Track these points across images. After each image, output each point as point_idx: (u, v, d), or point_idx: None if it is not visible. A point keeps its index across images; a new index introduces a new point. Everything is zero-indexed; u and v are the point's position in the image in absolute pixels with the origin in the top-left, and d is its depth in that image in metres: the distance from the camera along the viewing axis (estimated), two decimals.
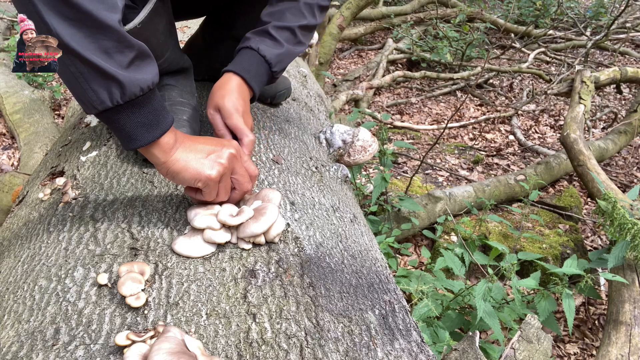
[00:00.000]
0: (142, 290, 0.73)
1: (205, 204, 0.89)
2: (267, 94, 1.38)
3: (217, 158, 0.84)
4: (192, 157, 0.82)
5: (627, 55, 5.59)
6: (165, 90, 1.15)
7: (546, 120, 4.33)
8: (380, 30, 6.24)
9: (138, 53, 0.75)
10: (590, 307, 2.21)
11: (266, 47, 1.05)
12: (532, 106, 4.54)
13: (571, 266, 1.62)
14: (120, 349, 0.65)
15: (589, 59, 5.08)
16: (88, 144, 1.15)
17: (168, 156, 0.81)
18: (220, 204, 0.90)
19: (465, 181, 3.20)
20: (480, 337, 0.87)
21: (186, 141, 0.84)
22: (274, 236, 0.85)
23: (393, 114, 4.43)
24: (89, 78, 0.72)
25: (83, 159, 1.09)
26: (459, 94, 4.88)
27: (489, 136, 4.04)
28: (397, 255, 2.27)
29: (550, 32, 5.79)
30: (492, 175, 3.32)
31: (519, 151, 3.76)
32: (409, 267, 2.13)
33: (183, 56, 1.22)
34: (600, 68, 4.82)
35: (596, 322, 2.13)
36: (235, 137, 1.00)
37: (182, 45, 1.41)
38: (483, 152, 3.72)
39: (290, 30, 1.09)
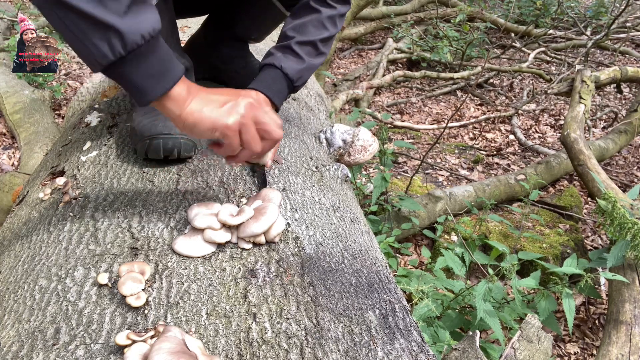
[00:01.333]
0: (143, 290, 0.73)
1: (232, 159, 0.88)
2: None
3: (234, 106, 0.82)
4: (207, 107, 0.80)
5: (627, 55, 5.58)
6: None
7: (546, 120, 4.33)
8: (381, 30, 6.24)
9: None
10: (590, 307, 2.21)
11: (289, 64, 1.08)
12: (533, 106, 4.54)
13: (571, 266, 1.62)
14: (120, 349, 0.65)
15: (589, 59, 5.07)
16: (88, 144, 1.15)
17: (182, 108, 0.78)
18: (253, 163, 0.91)
19: (466, 181, 3.20)
20: (480, 337, 0.87)
21: (200, 92, 0.81)
22: (274, 236, 0.86)
23: (393, 114, 4.43)
24: (87, 31, 0.68)
25: (83, 158, 1.09)
26: (459, 93, 4.88)
27: (489, 136, 4.04)
28: (398, 254, 2.27)
29: (551, 31, 5.78)
30: (493, 175, 3.32)
31: (519, 151, 3.76)
32: (409, 267, 2.13)
33: (184, 55, 1.22)
34: (600, 67, 4.82)
35: (596, 321, 2.13)
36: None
37: (182, 45, 1.41)
38: (483, 152, 3.72)
39: (312, 45, 1.12)
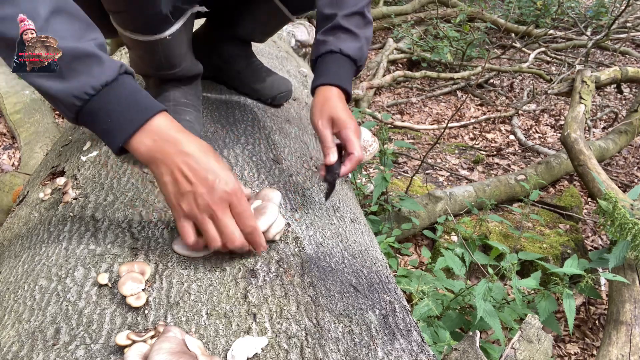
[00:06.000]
0: (143, 290, 0.73)
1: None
2: (268, 94, 1.37)
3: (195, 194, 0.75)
4: (164, 178, 0.75)
5: (627, 55, 5.58)
6: (169, 91, 1.15)
7: (547, 120, 4.33)
8: (381, 30, 6.24)
9: (68, 56, 0.68)
10: (590, 307, 2.20)
11: (346, 44, 1.00)
12: (533, 106, 4.54)
13: (572, 266, 1.62)
14: (120, 349, 0.65)
15: (589, 59, 5.07)
16: (88, 144, 1.15)
17: (147, 162, 0.75)
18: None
19: (466, 181, 3.20)
20: (480, 337, 0.87)
21: (170, 150, 0.74)
22: (273, 235, 0.85)
23: (393, 114, 4.43)
24: (46, 99, 0.71)
25: (83, 158, 1.09)
26: (459, 93, 4.88)
27: (489, 136, 4.04)
28: (398, 255, 2.27)
29: (551, 31, 5.78)
30: (493, 175, 3.32)
31: (519, 151, 3.76)
32: (409, 267, 2.13)
33: (197, 64, 1.20)
34: (600, 68, 4.82)
35: (597, 322, 2.13)
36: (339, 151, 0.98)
37: None
38: (483, 152, 3.72)
39: (359, 15, 1.02)
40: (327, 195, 1.01)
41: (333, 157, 0.96)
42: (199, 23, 1.45)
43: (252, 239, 0.78)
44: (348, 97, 1.02)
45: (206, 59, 1.38)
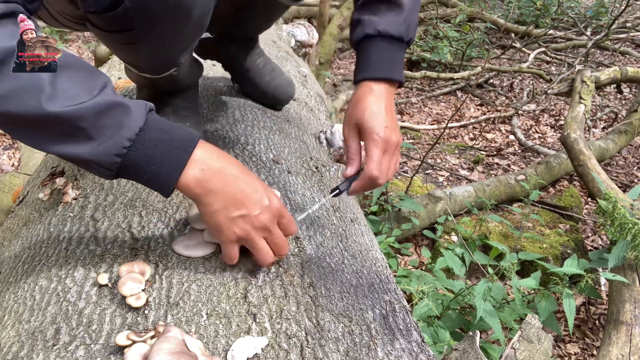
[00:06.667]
0: (143, 290, 0.73)
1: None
2: (268, 99, 1.35)
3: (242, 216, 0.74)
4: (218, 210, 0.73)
5: (627, 55, 5.58)
6: (167, 96, 1.12)
7: (546, 120, 4.33)
8: None
9: (92, 115, 0.62)
10: (590, 307, 2.20)
11: (386, 21, 0.85)
12: (533, 106, 4.54)
13: (571, 266, 1.62)
14: (120, 349, 0.65)
15: (589, 59, 5.07)
16: None
17: (198, 199, 0.72)
18: None
19: (466, 181, 3.20)
20: (480, 337, 0.87)
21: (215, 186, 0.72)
22: None
23: None
24: (79, 163, 0.66)
25: None
26: (459, 93, 4.88)
27: (489, 136, 4.04)
28: (398, 255, 2.27)
29: (551, 31, 5.78)
30: (493, 175, 3.32)
31: (519, 151, 3.76)
32: (409, 267, 2.13)
33: (197, 71, 1.17)
34: (600, 68, 4.82)
35: (597, 322, 2.13)
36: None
37: None
38: (483, 152, 3.72)
39: None
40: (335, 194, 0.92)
41: (350, 169, 0.88)
42: None
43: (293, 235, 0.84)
44: (398, 84, 0.90)
45: (213, 58, 1.33)
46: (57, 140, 0.62)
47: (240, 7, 1.19)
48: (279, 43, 2.18)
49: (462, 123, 4.17)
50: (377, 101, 0.86)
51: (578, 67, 4.09)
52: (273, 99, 1.36)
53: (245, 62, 1.33)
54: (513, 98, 4.83)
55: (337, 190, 0.90)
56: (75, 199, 0.96)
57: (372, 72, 0.87)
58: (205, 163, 0.70)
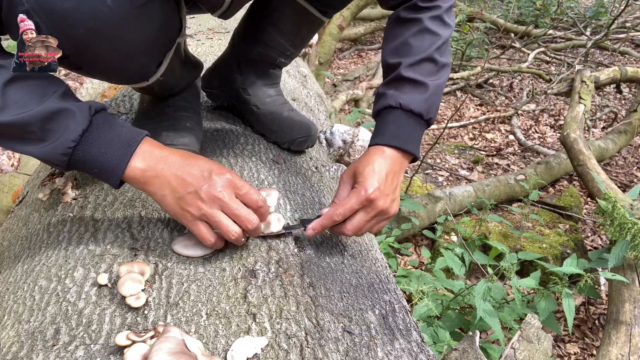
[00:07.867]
0: (142, 290, 0.73)
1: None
2: (284, 139, 1.20)
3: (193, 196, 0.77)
4: (168, 194, 0.77)
5: (627, 55, 5.58)
6: (168, 96, 1.11)
7: (546, 120, 4.33)
8: (380, 30, 6.24)
9: (38, 121, 0.70)
10: (590, 307, 2.21)
11: (409, 97, 0.87)
12: (532, 106, 4.54)
13: (571, 266, 1.62)
14: (120, 349, 0.65)
15: (589, 59, 5.07)
16: None
17: (146, 189, 0.78)
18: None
19: (465, 181, 3.20)
20: (480, 337, 0.87)
21: (161, 172, 0.77)
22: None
23: None
24: (37, 159, 0.75)
25: None
26: (459, 93, 4.88)
27: (489, 136, 4.04)
28: (397, 255, 2.27)
29: (550, 31, 5.79)
30: (492, 175, 3.32)
31: (519, 151, 3.76)
32: (409, 267, 2.13)
33: (196, 71, 1.14)
34: (600, 68, 4.82)
35: (596, 321, 2.13)
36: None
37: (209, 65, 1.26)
38: (483, 152, 3.72)
39: (428, 60, 0.88)
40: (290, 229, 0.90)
41: (325, 210, 0.86)
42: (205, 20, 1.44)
43: (264, 212, 0.80)
44: (413, 159, 0.91)
45: (229, 85, 1.21)
46: (14, 141, 0.72)
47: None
48: None
49: (462, 123, 4.17)
50: (382, 163, 0.87)
51: (577, 67, 4.10)
52: (292, 134, 1.20)
53: (263, 94, 1.20)
54: (513, 98, 4.83)
55: (301, 225, 0.89)
56: (74, 199, 0.96)
57: (387, 139, 0.88)
58: (149, 154, 0.76)
